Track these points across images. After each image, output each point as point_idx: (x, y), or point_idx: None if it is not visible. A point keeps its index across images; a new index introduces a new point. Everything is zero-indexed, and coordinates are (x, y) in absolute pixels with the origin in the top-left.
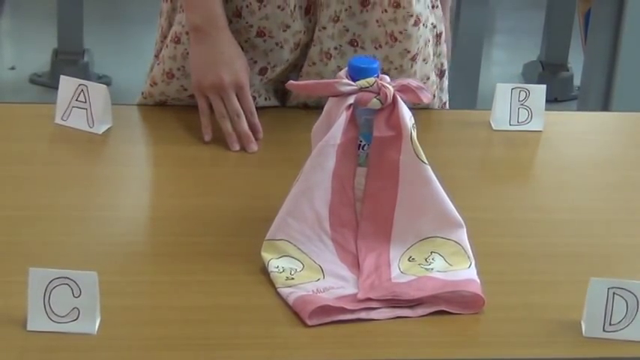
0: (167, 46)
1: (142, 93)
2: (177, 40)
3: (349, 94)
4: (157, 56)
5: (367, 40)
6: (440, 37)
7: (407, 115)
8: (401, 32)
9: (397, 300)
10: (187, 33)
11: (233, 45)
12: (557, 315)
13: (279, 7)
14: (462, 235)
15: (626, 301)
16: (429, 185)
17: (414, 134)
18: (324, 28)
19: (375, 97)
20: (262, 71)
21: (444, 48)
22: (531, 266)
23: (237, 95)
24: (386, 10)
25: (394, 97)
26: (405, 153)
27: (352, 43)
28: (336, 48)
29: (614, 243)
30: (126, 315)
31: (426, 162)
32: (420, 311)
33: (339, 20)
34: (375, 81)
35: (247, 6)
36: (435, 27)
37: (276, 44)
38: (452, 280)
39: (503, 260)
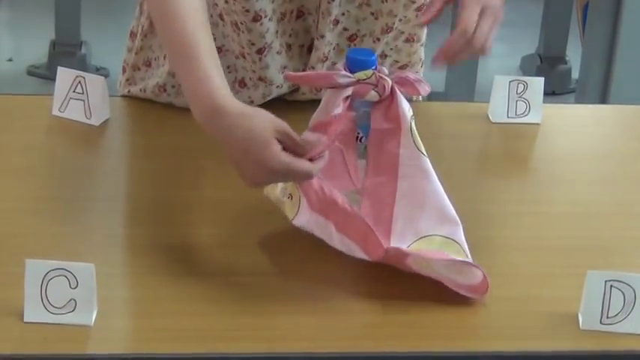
0: (160, 65)
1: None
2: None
3: (347, 85)
4: (135, 52)
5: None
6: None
7: (405, 107)
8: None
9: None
10: None
11: (246, 118)
12: (554, 308)
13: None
14: (460, 234)
15: (623, 293)
16: (429, 178)
17: (414, 126)
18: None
19: (373, 89)
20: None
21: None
22: (528, 259)
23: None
24: None
25: (392, 90)
26: (405, 146)
27: (360, 6)
28: (343, 14)
29: (612, 236)
30: (123, 307)
31: (426, 154)
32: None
33: None
34: (373, 73)
35: None
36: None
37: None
38: (456, 259)
39: (501, 253)
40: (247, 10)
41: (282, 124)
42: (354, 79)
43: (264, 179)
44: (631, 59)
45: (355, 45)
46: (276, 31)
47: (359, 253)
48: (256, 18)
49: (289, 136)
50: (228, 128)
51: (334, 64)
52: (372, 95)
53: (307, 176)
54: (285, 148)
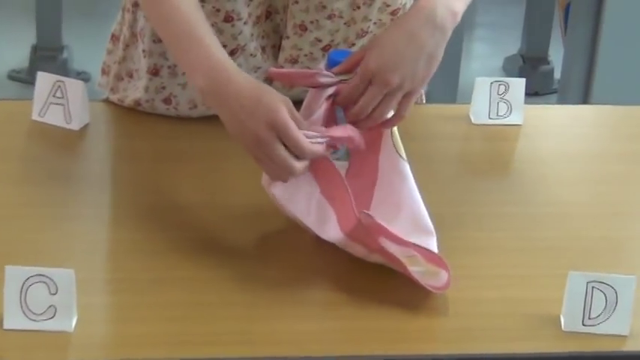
0: (140, 77)
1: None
2: (154, 72)
3: (329, 85)
4: (119, 62)
5: (345, 9)
6: None
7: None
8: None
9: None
10: (169, 67)
11: (250, 86)
12: (536, 309)
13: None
14: (433, 244)
15: (605, 294)
16: (406, 184)
17: (395, 129)
18: (296, 2)
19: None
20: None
21: None
22: (510, 260)
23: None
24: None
25: None
26: (384, 150)
27: (330, 17)
28: (312, 22)
29: (594, 236)
30: (103, 312)
31: (405, 159)
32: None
33: None
34: (355, 72)
35: None
36: None
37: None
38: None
39: (482, 254)
40: (218, 10)
41: (286, 100)
42: (336, 79)
43: (269, 143)
44: (612, 59)
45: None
46: (252, 34)
47: (331, 227)
48: (227, 19)
49: (292, 111)
50: (234, 92)
51: (308, 68)
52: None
53: (300, 152)
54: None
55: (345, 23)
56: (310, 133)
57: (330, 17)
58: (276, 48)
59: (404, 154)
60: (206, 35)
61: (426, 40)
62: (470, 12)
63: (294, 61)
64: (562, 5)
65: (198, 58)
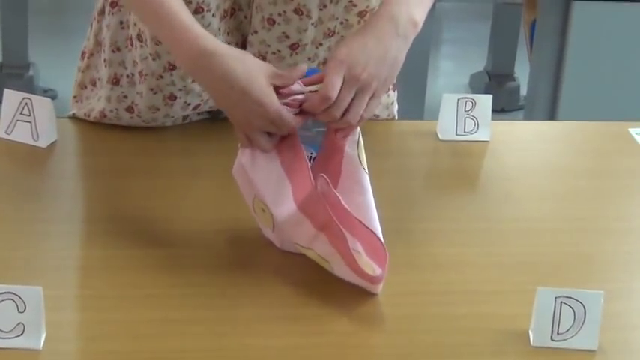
0: (102, 87)
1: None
2: (115, 82)
3: (298, 93)
4: (82, 70)
5: (313, 6)
6: None
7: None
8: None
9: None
10: (128, 76)
11: (238, 60)
12: (504, 324)
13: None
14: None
15: (573, 309)
16: (365, 195)
17: (361, 141)
18: None
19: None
20: None
21: None
22: (478, 276)
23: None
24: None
25: None
26: (348, 161)
27: (297, 11)
28: (280, 14)
29: (561, 252)
30: (72, 330)
31: (367, 171)
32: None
33: None
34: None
35: None
36: None
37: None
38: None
39: (451, 270)
40: (190, 2)
41: (269, 66)
42: (306, 88)
43: (257, 119)
44: (578, 76)
45: (297, 53)
46: (219, 29)
47: (285, 200)
48: (198, 10)
49: (276, 72)
50: (223, 72)
51: None
52: None
53: (285, 127)
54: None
55: (312, 23)
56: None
57: (296, 12)
58: (239, 46)
59: (366, 167)
60: (180, 12)
61: (390, 45)
62: (435, 29)
63: (261, 59)
64: (527, 22)
65: (180, 35)
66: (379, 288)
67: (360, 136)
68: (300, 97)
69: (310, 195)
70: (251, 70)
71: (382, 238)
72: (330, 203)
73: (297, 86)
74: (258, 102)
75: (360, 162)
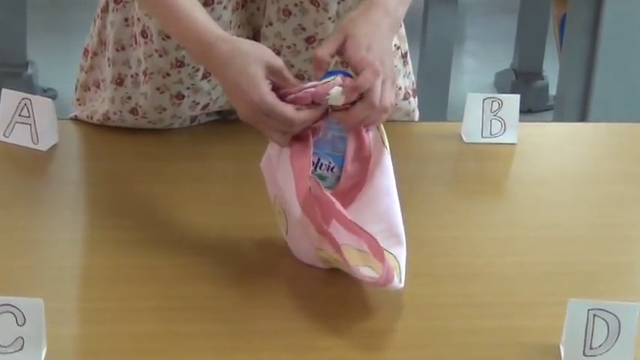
0: (106, 88)
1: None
2: (119, 82)
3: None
4: (85, 71)
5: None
6: (406, 56)
7: None
8: None
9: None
10: (132, 76)
11: (239, 56)
12: (534, 339)
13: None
14: (402, 253)
15: (607, 323)
16: (387, 175)
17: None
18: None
19: (339, 84)
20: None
21: (411, 68)
22: (506, 287)
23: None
24: None
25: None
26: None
27: (314, 2)
28: (296, 5)
29: (594, 261)
30: (74, 344)
31: (388, 149)
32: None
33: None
34: (340, 77)
35: None
36: (398, 48)
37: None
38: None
39: (477, 281)
40: None
41: (276, 62)
42: (319, 83)
43: (252, 117)
44: (611, 74)
45: (313, 47)
46: (230, 21)
47: (293, 199)
48: (208, 2)
49: (281, 74)
50: (221, 66)
51: (292, 66)
52: (335, 93)
53: (289, 123)
54: (276, 87)
55: (329, 18)
56: (300, 88)
57: (313, 3)
58: (250, 39)
59: (387, 145)
60: (185, 6)
61: (389, 39)
62: (459, 24)
63: (276, 53)
64: (557, 16)
65: (184, 31)
66: (397, 284)
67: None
68: (312, 90)
69: (307, 197)
70: (243, 62)
71: (403, 234)
72: (322, 206)
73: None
74: (250, 96)
75: (383, 142)
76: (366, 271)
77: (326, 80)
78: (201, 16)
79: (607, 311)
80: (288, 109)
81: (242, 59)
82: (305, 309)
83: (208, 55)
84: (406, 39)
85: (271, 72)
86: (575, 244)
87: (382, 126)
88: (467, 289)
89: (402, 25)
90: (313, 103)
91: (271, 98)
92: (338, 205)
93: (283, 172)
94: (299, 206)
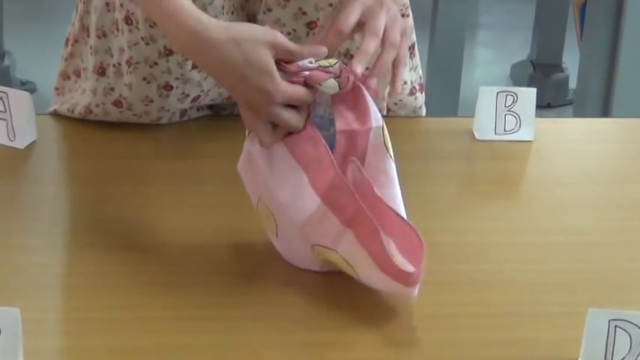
0: (87, 78)
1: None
2: (101, 72)
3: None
4: (65, 59)
5: None
6: (413, 48)
7: (373, 108)
8: None
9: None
10: (114, 65)
11: (237, 44)
12: (551, 352)
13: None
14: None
15: (629, 334)
16: (391, 186)
17: (386, 131)
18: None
19: (334, 77)
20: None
21: (418, 60)
22: (521, 296)
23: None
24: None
25: (357, 88)
26: (372, 149)
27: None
28: None
29: (616, 268)
30: (52, 357)
31: (393, 158)
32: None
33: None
34: (338, 62)
35: None
36: None
37: None
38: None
39: (490, 289)
40: None
41: (275, 37)
42: (314, 66)
43: (264, 106)
44: (635, 66)
45: (314, 33)
46: (222, 7)
47: (305, 197)
48: None
49: (284, 47)
50: (219, 59)
51: None
52: (330, 84)
53: (303, 102)
54: (279, 60)
55: (330, 4)
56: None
57: None
58: None
59: (392, 154)
60: None
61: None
62: (471, 12)
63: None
64: (577, 4)
65: (170, 19)
66: (415, 292)
67: (385, 126)
68: (307, 73)
69: (336, 184)
70: (248, 50)
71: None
72: (359, 192)
73: (305, 62)
74: (265, 88)
75: (386, 148)
76: (399, 260)
77: (327, 63)
78: (186, 3)
79: (629, 322)
80: (301, 90)
81: (244, 47)
82: (303, 320)
83: (198, 47)
84: (414, 29)
85: (276, 51)
86: (595, 249)
87: (386, 132)
88: (478, 297)
89: (410, 15)
90: (306, 85)
91: (286, 86)
92: (378, 193)
93: (279, 170)
94: (314, 199)
